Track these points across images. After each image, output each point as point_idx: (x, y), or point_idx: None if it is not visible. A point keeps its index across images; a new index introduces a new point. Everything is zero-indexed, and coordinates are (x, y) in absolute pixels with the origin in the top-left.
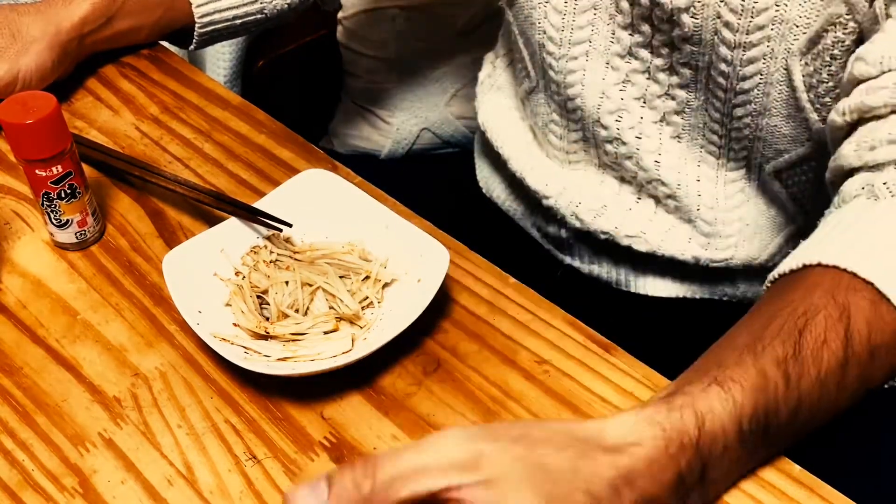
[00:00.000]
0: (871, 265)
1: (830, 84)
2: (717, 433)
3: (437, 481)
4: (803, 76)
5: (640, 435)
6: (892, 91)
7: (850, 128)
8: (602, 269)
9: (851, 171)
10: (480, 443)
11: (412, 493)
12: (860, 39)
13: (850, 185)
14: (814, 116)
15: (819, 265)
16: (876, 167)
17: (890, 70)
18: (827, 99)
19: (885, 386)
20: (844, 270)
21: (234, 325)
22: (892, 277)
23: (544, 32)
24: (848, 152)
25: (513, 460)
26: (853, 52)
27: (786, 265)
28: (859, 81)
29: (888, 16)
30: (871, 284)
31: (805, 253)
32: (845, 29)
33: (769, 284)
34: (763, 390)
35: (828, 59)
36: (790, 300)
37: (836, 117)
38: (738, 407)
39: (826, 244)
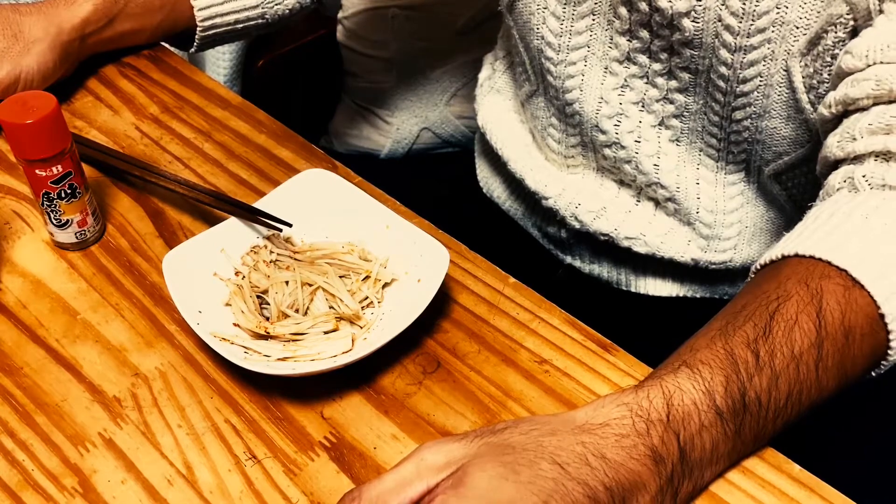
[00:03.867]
0: (844, 254)
1: (830, 84)
2: (689, 409)
3: (417, 487)
4: (803, 77)
5: (608, 416)
6: (875, 83)
7: (837, 120)
8: (602, 269)
9: (836, 164)
10: (451, 444)
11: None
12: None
13: (833, 178)
14: (814, 117)
15: (796, 255)
16: (857, 158)
17: (875, 63)
18: None
19: (873, 373)
20: (819, 260)
21: (234, 325)
22: (865, 264)
23: (543, 38)
24: (832, 144)
25: (478, 447)
26: None
27: (766, 257)
28: (846, 74)
29: (880, 11)
30: (845, 272)
31: (784, 245)
32: (846, 28)
33: (751, 276)
34: (732, 367)
35: (829, 59)
36: (765, 289)
37: (823, 110)
38: (707, 383)
39: (805, 236)
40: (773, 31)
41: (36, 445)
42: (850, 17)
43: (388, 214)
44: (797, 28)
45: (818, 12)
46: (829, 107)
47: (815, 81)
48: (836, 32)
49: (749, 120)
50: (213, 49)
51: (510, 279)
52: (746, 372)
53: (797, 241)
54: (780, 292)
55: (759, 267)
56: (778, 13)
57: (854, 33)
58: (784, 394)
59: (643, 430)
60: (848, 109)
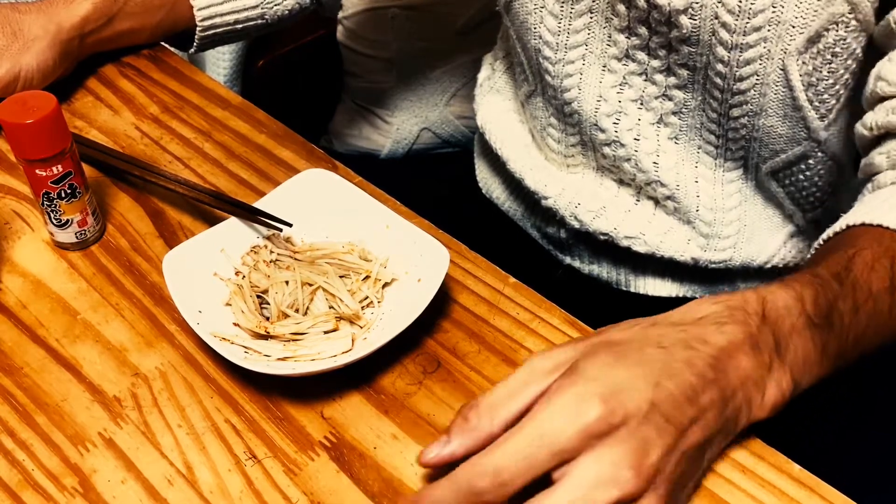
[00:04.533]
0: None
1: (830, 81)
2: (781, 310)
3: (531, 391)
4: (802, 74)
5: (705, 312)
6: None
7: (878, 139)
8: (602, 269)
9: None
10: (558, 349)
11: (518, 407)
12: (862, 39)
13: (884, 178)
14: (812, 115)
15: (863, 225)
16: None
17: None
18: (826, 96)
19: None
20: (887, 228)
21: (235, 324)
22: None
23: (540, 37)
24: (880, 162)
25: (584, 347)
26: (855, 49)
27: (831, 229)
28: (882, 98)
29: None
30: None
31: (849, 217)
32: (847, 27)
33: (814, 250)
34: (820, 286)
35: (829, 56)
36: (838, 244)
37: (863, 131)
38: (798, 293)
39: (868, 210)
40: (768, 30)
41: (36, 445)
42: (851, 16)
43: (388, 214)
44: (793, 27)
45: (815, 11)
46: (871, 129)
47: (814, 79)
48: (837, 31)
49: (746, 118)
50: (213, 49)
51: (510, 279)
52: (832, 292)
53: (861, 213)
54: (855, 244)
55: (822, 241)
56: (774, 12)
57: (856, 32)
58: (863, 324)
59: (741, 319)
60: (890, 132)
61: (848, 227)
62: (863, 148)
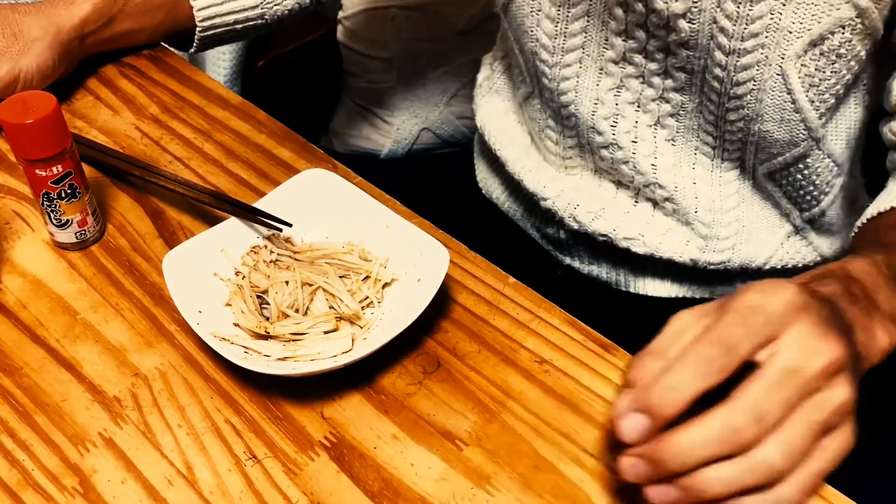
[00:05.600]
0: None
1: (832, 81)
2: (861, 272)
3: (691, 330)
4: (803, 76)
5: (802, 278)
6: None
7: None
8: (601, 270)
9: None
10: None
11: (688, 339)
12: (868, 42)
13: None
14: (813, 115)
15: None
16: None
17: None
18: (827, 96)
19: None
20: None
21: (234, 324)
22: None
23: (537, 41)
24: None
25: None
26: (860, 52)
27: (874, 208)
28: None
29: None
30: None
31: (888, 199)
32: (854, 30)
33: (859, 227)
34: (889, 253)
35: (833, 58)
36: (890, 224)
37: (890, 135)
38: (871, 258)
39: None
40: (766, 37)
41: (36, 445)
42: (858, 20)
43: (388, 214)
44: (790, 33)
45: (813, 16)
46: (895, 134)
47: (816, 79)
48: (843, 34)
49: (742, 122)
50: (213, 49)
51: (510, 279)
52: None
53: None
54: None
55: (867, 220)
56: (772, 19)
57: (862, 35)
58: None
59: (832, 279)
60: None
61: (893, 208)
62: (890, 146)
